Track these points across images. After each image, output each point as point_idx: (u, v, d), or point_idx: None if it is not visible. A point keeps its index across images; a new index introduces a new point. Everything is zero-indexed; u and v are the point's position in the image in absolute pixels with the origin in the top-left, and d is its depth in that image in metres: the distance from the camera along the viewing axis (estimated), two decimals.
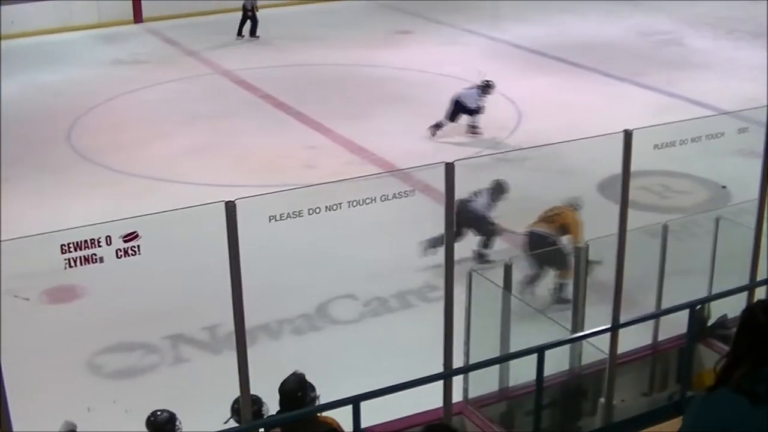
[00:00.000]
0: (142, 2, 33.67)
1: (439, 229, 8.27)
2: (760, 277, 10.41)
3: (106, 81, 25.65)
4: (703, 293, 10.74)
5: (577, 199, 13.91)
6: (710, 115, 18.63)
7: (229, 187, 16.48)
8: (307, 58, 27.83)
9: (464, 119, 20.70)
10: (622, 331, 9.51)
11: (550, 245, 13.11)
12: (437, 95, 22.45)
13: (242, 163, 19.15)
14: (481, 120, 20.62)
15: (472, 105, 20.51)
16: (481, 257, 14.27)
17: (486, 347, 9.59)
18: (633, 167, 8.91)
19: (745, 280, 10.34)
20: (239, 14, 30.79)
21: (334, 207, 7.47)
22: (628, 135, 8.64)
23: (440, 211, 7.99)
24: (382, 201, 7.68)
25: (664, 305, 10.75)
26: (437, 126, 20.41)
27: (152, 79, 25.79)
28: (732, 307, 10.88)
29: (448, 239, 8.05)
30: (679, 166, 17.31)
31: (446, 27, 32.26)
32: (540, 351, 8.64)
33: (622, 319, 9.43)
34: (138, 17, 33.65)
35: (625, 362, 10.45)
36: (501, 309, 9.70)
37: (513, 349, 9.54)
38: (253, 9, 31.13)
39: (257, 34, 31.06)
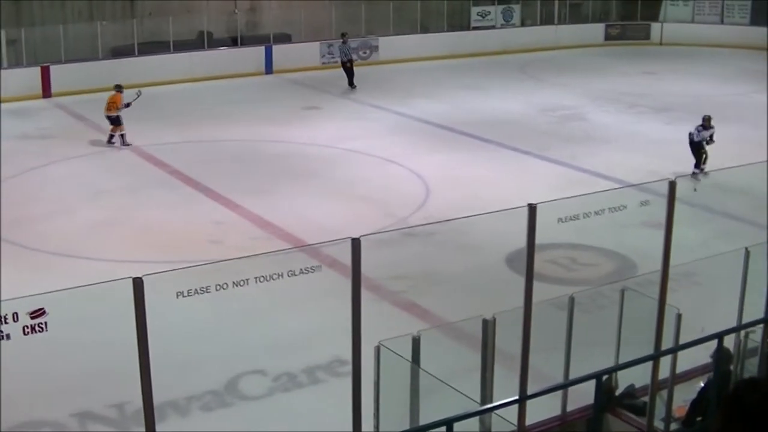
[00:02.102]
0: (51, 77, 33.51)
1: (346, 304, 8.27)
2: (665, 346, 10.55)
3: (12, 155, 25.37)
4: (609, 363, 10.85)
5: None
6: (613, 188, 18.95)
7: (135, 263, 16.35)
8: (215, 134, 27.86)
9: None
10: (530, 403, 9.56)
11: None
12: (343, 170, 22.57)
13: (148, 238, 19.02)
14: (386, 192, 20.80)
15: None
16: None
17: (395, 420, 9.58)
18: (541, 240, 9.02)
19: (650, 350, 10.47)
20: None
21: (242, 283, 7.47)
22: (532, 209, 8.75)
23: (347, 285, 8.01)
24: (289, 276, 7.69)
25: (572, 376, 10.83)
26: None
27: (59, 154, 25.60)
28: (638, 377, 11.03)
29: (355, 316, 8.06)
30: (586, 239, 17.54)
31: (354, 103, 32.56)
32: (449, 423, 8.65)
33: (530, 391, 9.49)
34: (47, 92, 33.47)
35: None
36: (410, 382, 9.71)
37: (422, 421, 9.54)
38: (351, 62, 34.71)
39: (354, 84, 34.98)
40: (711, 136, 23.34)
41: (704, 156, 23.15)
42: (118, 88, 27.14)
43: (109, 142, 26.82)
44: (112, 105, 26.78)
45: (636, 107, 31.94)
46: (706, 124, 23.43)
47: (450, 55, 41.06)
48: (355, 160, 24.78)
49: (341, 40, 36.26)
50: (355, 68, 36.09)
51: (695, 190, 20.52)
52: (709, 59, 41.86)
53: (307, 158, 25.23)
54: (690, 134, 23.48)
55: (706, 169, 22.83)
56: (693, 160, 22.91)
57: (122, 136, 26.69)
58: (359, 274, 7.97)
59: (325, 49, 39.22)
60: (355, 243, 7.78)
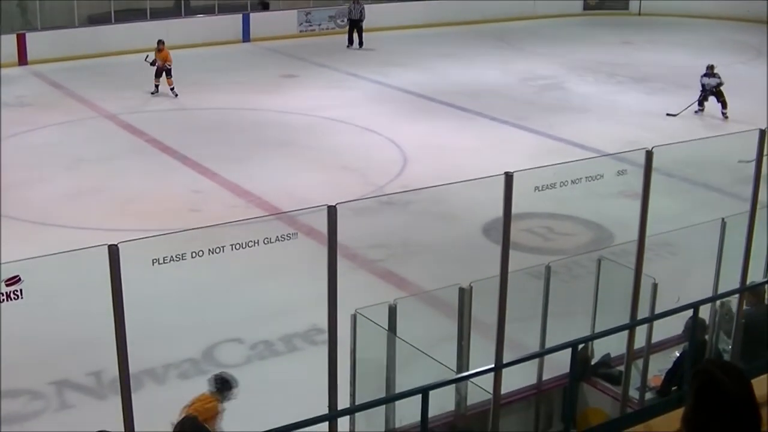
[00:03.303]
0: (27, 45, 33.30)
1: (323, 273, 8.27)
2: (640, 316, 10.61)
3: None
4: (585, 333, 10.89)
5: None
6: (590, 157, 18.98)
7: (113, 231, 16.26)
8: (193, 103, 27.75)
9: None
10: (506, 372, 9.60)
11: None
12: (321, 139, 22.56)
13: (126, 207, 18.96)
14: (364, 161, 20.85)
15: None
16: None
17: (372, 388, 9.61)
18: (518, 210, 9.04)
19: (626, 319, 10.52)
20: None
21: (218, 250, 7.46)
22: (508, 177, 8.75)
23: (325, 253, 8.00)
24: (266, 244, 7.69)
25: (548, 345, 10.88)
26: None
27: (37, 122, 25.43)
28: (614, 346, 11.08)
29: (331, 284, 8.06)
30: (563, 208, 17.59)
31: (332, 71, 32.47)
32: (424, 391, 8.69)
33: (506, 360, 9.53)
34: (23, 59, 33.24)
35: (510, 402, 10.55)
36: (386, 350, 9.74)
37: (399, 389, 9.57)
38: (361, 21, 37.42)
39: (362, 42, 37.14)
40: (718, 85, 26.09)
41: (723, 101, 26.01)
42: (162, 43, 28.91)
43: (173, 91, 28.57)
44: (167, 58, 28.64)
45: (615, 77, 31.99)
46: (709, 72, 26.18)
47: (429, 24, 40.96)
48: (333, 129, 24.73)
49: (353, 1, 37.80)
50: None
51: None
52: (688, 30, 41.85)
53: (285, 127, 25.17)
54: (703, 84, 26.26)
55: (727, 114, 25.75)
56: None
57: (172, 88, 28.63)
58: (335, 242, 7.97)
59: (303, 17, 39.09)
60: (332, 210, 7.78)
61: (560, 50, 36.72)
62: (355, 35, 37.50)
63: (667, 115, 25.72)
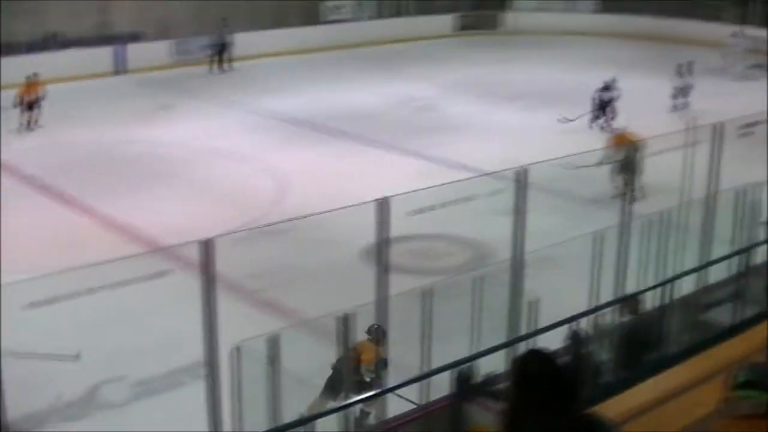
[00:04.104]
0: None
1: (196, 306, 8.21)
2: (522, 332, 10.73)
3: None
4: (468, 352, 10.97)
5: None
6: (467, 178, 19.12)
7: None
8: (67, 138, 27.31)
9: None
10: (392, 396, 9.63)
11: None
12: (199, 170, 22.42)
13: (3, 248, 18.57)
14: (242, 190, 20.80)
15: None
16: None
17: (258, 421, 9.57)
18: (397, 232, 9.10)
19: (505, 337, 10.63)
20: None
21: (97, 289, 7.39)
22: (382, 203, 8.81)
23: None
24: (145, 281, 7.64)
25: (433, 366, 10.93)
26: None
27: None
28: (496, 364, 11.18)
29: (209, 318, 8.02)
30: (443, 229, 17.71)
31: (207, 101, 32.25)
32: (307, 422, 8.69)
33: (392, 383, 9.56)
34: None
35: (397, 426, 10.57)
36: (269, 382, 9.70)
37: (285, 421, 9.54)
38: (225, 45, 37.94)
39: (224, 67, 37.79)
40: (612, 100, 27.11)
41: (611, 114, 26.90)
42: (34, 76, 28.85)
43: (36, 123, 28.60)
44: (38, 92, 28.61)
45: (490, 96, 32.32)
46: (607, 86, 27.28)
47: (305, 50, 40.90)
48: (211, 159, 24.61)
49: (222, 24, 37.93)
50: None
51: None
52: (561, 46, 42.52)
53: (162, 159, 24.94)
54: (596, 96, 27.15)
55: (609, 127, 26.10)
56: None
57: None
58: (210, 275, 7.94)
59: (178, 47, 38.83)
60: (205, 245, 7.75)
61: (435, 71, 37.03)
62: (225, 58, 38.10)
63: (560, 120, 25.95)
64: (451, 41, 45.19)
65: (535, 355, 4.79)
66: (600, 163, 20.21)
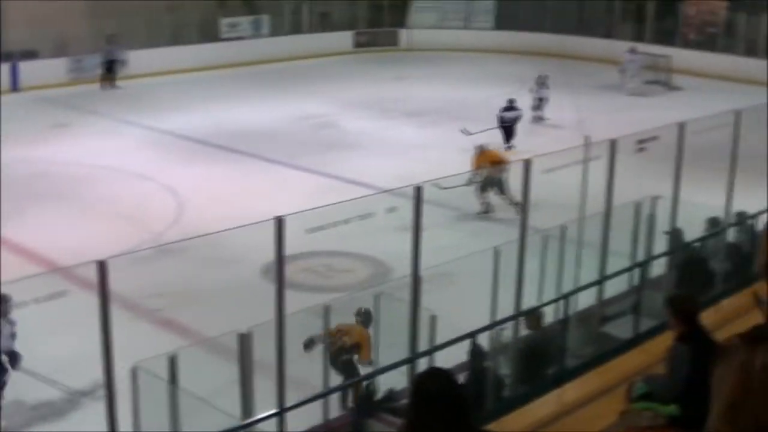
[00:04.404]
0: None
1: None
2: (421, 348, 10.79)
3: None
4: (368, 368, 11.03)
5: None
6: (364, 195, 19.19)
7: None
8: None
9: None
10: (293, 414, 9.63)
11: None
12: (95, 188, 22.17)
13: None
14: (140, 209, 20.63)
15: None
16: None
17: None
18: (296, 249, 9.11)
19: (405, 353, 10.68)
20: None
21: None
22: (278, 222, 8.82)
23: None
24: (39, 302, 7.55)
25: (332, 383, 10.96)
26: None
27: None
28: (398, 380, 11.24)
29: (106, 339, 7.95)
30: (343, 246, 17.74)
31: (103, 118, 31.90)
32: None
33: (292, 401, 9.56)
34: None
35: None
36: (168, 402, 9.64)
37: None
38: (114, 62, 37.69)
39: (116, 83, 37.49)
40: (516, 119, 27.39)
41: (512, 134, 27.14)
42: None
43: None
44: None
45: (388, 113, 32.44)
46: (509, 105, 27.35)
47: (203, 67, 40.60)
48: (108, 177, 24.34)
49: (111, 41, 37.71)
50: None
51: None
52: (458, 63, 42.81)
53: (58, 177, 24.58)
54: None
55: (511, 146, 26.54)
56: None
57: None
58: (106, 296, 7.86)
59: (74, 64, 38.40)
60: (101, 265, 7.68)
61: (332, 88, 37.08)
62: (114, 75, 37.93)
63: (462, 132, 26.01)
64: (350, 58, 45.27)
65: (434, 373, 5.01)
66: (469, 183, 20.53)
